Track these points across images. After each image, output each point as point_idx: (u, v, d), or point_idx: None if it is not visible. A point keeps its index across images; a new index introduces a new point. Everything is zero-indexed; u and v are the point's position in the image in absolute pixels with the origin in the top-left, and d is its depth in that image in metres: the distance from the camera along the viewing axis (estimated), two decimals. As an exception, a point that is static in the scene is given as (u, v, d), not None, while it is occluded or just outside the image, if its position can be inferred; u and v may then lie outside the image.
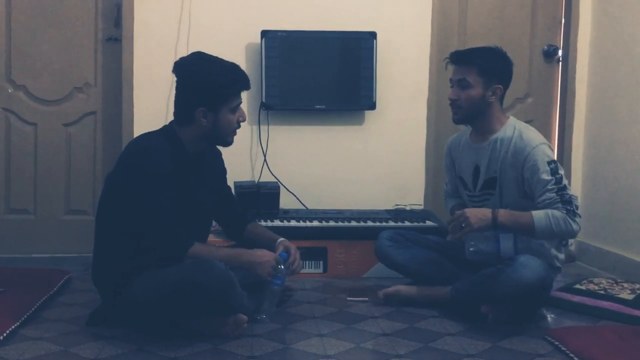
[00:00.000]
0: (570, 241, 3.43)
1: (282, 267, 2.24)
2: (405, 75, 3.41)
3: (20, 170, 3.24)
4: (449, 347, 2.10)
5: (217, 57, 2.22)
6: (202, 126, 2.16)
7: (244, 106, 3.21)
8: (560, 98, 3.58)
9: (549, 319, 2.43)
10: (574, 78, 3.50)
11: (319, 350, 2.05)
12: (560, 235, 2.38)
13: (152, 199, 2.06)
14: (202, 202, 2.26)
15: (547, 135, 3.52)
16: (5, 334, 2.03)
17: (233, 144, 2.30)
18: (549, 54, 3.56)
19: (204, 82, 2.13)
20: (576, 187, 3.50)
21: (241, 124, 2.28)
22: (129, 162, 2.12)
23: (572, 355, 2.02)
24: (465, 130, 2.63)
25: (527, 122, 3.42)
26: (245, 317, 2.11)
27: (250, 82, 3.26)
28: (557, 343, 2.11)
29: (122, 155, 2.19)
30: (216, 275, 2.00)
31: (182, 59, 2.27)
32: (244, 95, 3.25)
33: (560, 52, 3.55)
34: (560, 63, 3.56)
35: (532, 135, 2.42)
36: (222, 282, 2.01)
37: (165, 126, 2.27)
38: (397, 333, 2.23)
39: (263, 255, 2.20)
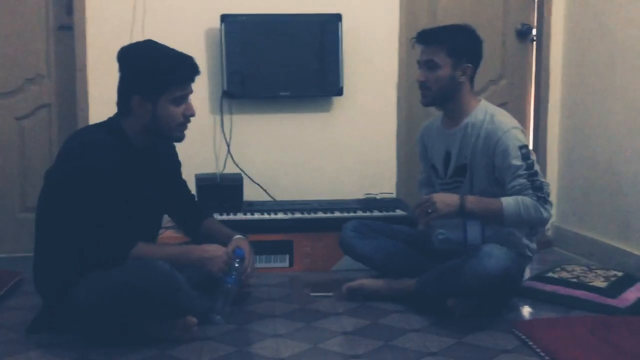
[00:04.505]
0: (547, 226, 3.35)
1: (237, 264, 2.13)
2: (374, 59, 3.28)
3: (-29, 167, 3.11)
4: (411, 345, 2.00)
5: (165, 46, 2.07)
6: (140, 117, 2.03)
7: (203, 95, 3.16)
8: (535, 79, 3.46)
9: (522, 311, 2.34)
10: (548, 58, 3.38)
11: (273, 352, 1.94)
12: (530, 223, 2.28)
13: (91, 199, 1.93)
14: (150, 199, 2.13)
15: (523, 117, 3.42)
16: None
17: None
18: (523, 34, 3.44)
19: (139, 67, 2.00)
20: (552, 171, 3.41)
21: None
22: (68, 159, 1.99)
23: (538, 350, 1.93)
24: (437, 116, 2.52)
25: (501, 104, 3.35)
26: (194, 320, 1.99)
27: (211, 69, 3.16)
28: (524, 337, 2.02)
29: (62, 150, 2.06)
30: (158, 276, 1.89)
31: (127, 45, 2.14)
32: (204, 82, 3.16)
33: (534, 32, 3.43)
34: (535, 43, 3.44)
35: (503, 119, 2.32)
36: (165, 283, 1.89)
37: (110, 118, 2.14)
38: (358, 331, 2.13)
39: (213, 250, 2.08)
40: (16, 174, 3.14)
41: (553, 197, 3.31)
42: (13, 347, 1.96)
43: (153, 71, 1.99)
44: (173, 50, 2.07)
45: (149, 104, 2.01)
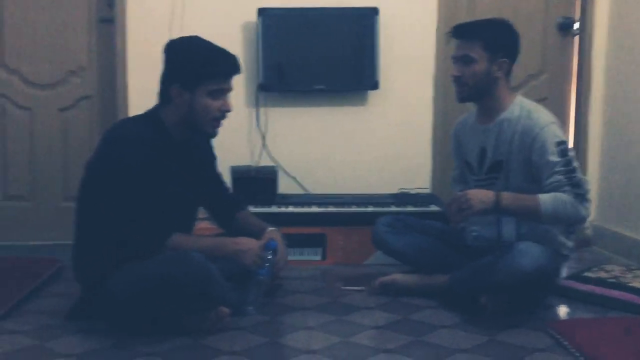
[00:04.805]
0: (586, 224, 3.28)
1: (270, 256, 2.15)
2: (410, 53, 3.25)
3: (16, 157, 3.20)
4: (442, 341, 1.99)
5: (211, 42, 2.11)
6: (178, 107, 2.07)
7: (239, 88, 3.18)
8: (576, 74, 3.38)
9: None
10: (591, 52, 3.30)
11: (303, 344, 1.96)
12: (567, 221, 2.24)
13: (129, 190, 1.97)
14: (186, 191, 2.17)
15: (563, 113, 3.35)
16: (-20, 328, 1.99)
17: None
18: (565, 27, 3.36)
19: (181, 57, 2.06)
20: (593, 168, 3.33)
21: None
22: (107, 151, 2.04)
23: (572, 350, 1.89)
24: (472, 111, 2.49)
25: (540, 100, 3.29)
26: (226, 310, 2.02)
27: (247, 63, 3.18)
28: (558, 336, 1.99)
29: (101, 142, 2.10)
30: (193, 268, 1.92)
31: (174, 38, 2.20)
32: (241, 75, 3.16)
33: (576, 25, 3.35)
34: (577, 37, 3.36)
35: (540, 115, 2.27)
36: (199, 275, 1.92)
37: (150, 110, 2.18)
38: (389, 325, 2.13)
39: (247, 243, 2.11)
40: (59, 163, 3.23)
41: (593, 195, 3.24)
42: (53, 332, 2.02)
43: (193, 61, 2.03)
44: (217, 46, 2.11)
45: (187, 93, 2.05)
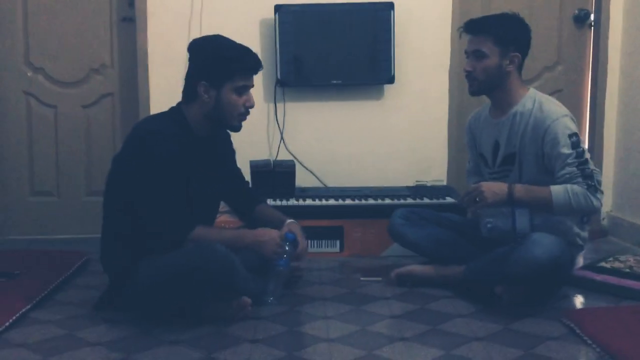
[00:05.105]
0: (602, 215, 3.30)
1: (287, 248, 2.21)
2: (425, 47, 3.29)
3: (42, 153, 3.30)
4: (458, 330, 2.04)
5: (233, 40, 2.19)
6: (204, 103, 2.13)
7: (258, 83, 3.24)
8: (592, 66, 3.39)
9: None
10: (606, 44, 3.31)
11: (322, 333, 2.02)
12: (580, 212, 2.27)
13: (154, 184, 2.05)
14: (209, 185, 2.23)
15: (578, 105, 3.37)
16: (13, 318, 2.07)
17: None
18: (580, 19, 3.37)
19: (208, 55, 2.12)
20: (609, 159, 3.34)
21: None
22: (134, 146, 2.11)
23: (586, 338, 1.93)
24: (485, 105, 2.53)
25: (556, 92, 3.32)
26: (248, 300, 2.09)
27: (265, 58, 3.24)
28: (572, 325, 2.02)
29: (128, 138, 2.18)
30: (216, 259, 1.99)
31: (198, 37, 2.28)
32: (259, 72, 3.25)
33: (592, 17, 3.36)
34: (592, 28, 3.37)
35: (552, 107, 2.30)
36: (222, 265, 1.99)
37: (173, 107, 2.25)
38: (406, 315, 2.18)
39: (266, 233, 2.18)
40: (83, 159, 3.32)
41: (609, 186, 3.26)
42: (82, 322, 2.11)
43: (221, 58, 2.10)
44: (240, 44, 2.18)
45: (214, 90, 2.12)
